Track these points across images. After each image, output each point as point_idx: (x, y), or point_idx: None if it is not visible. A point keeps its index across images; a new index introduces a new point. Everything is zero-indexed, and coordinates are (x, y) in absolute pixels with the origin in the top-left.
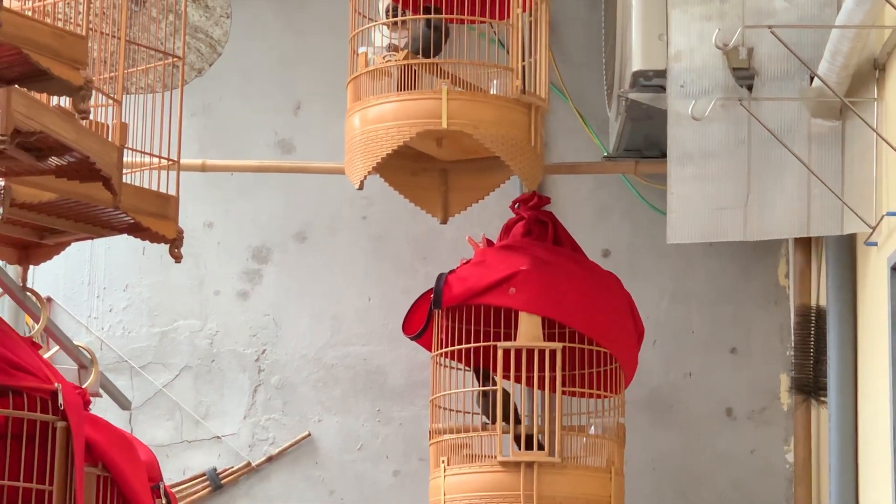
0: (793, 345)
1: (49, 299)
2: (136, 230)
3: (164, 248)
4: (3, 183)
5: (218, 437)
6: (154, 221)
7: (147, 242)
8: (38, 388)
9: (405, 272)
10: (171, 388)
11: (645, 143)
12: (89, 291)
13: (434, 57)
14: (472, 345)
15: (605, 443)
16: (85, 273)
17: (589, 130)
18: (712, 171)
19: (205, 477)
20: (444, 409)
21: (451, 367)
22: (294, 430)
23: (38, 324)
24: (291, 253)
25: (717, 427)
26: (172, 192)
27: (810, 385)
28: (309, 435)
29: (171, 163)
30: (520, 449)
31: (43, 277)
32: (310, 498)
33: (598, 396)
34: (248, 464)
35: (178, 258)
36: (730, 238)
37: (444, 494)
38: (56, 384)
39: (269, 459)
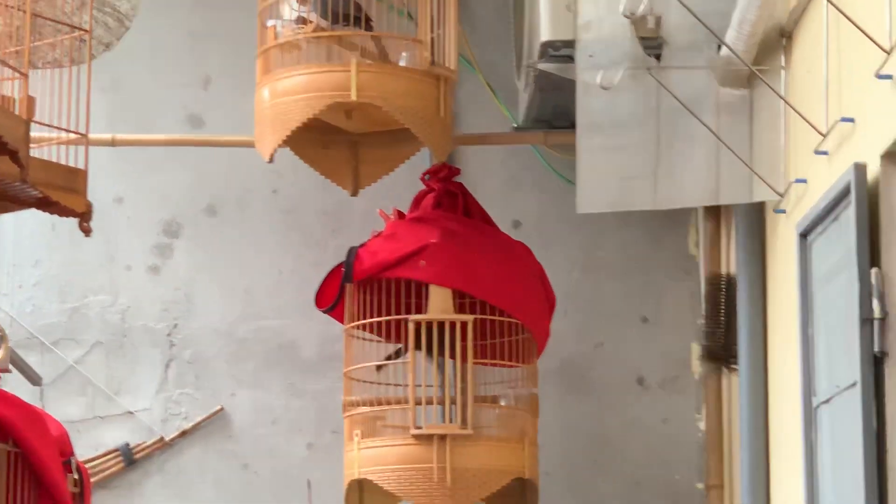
0: (703, 313)
1: None
2: (45, 204)
3: (74, 223)
4: None
5: (130, 413)
6: (63, 195)
7: (56, 217)
8: None
9: (316, 245)
10: (83, 363)
11: (554, 113)
12: None
13: (350, 28)
14: (384, 318)
15: (517, 413)
16: None
17: (498, 102)
18: (622, 141)
19: (118, 452)
20: (358, 380)
21: (364, 339)
22: (207, 404)
23: None
24: (202, 227)
25: (629, 396)
26: (81, 166)
27: (721, 353)
28: (222, 409)
29: (79, 137)
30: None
31: None
32: (224, 472)
33: (511, 366)
34: (161, 439)
35: (87, 232)
36: (639, 207)
37: (359, 468)
38: None
39: (183, 434)
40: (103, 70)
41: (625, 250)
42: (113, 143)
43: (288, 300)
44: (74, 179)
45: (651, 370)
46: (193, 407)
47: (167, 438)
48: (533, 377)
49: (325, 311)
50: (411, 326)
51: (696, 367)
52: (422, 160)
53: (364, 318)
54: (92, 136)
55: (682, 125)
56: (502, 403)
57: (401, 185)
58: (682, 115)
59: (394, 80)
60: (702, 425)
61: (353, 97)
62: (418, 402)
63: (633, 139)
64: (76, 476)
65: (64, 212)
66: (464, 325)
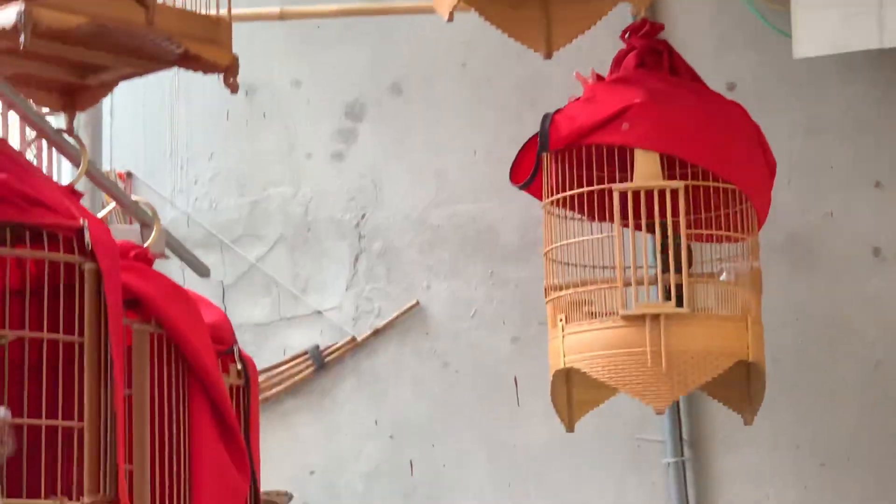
0: None
1: (129, 174)
2: (185, 60)
3: (251, 111)
4: (23, 5)
5: (319, 312)
6: (203, 47)
7: (231, 105)
8: (59, 225)
9: (512, 120)
10: (265, 261)
11: None
12: (172, 163)
13: None
14: (585, 189)
15: (739, 290)
16: (165, 144)
17: None
18: None
19: (307, 355)
20: (560, 262)
21: (565, 218)
22: (401, 299)
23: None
24: (387, 107)
25: (865, 270)
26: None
27: None
28: (417, 304)
29: None
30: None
31: (120, 153)
32: (422, 372)
33: (730, 240)
34: (353, 339)
35: (234, 88)
36: (864, 46)
37: (564, 356)
38: (82, 220)
39: (376, 333)
40: None
41: (852, 109)
42: (281, 17)
43: (484, 182)
44: (216, 29)
45: (889, 240)
46: (386, 302)
47: (359, 338)
48: (755, 250)
49: (521, 187)
50: (616, 197)
51: None
52: (621, 19)
53: (563, 192)
54: (260, 10)
55: None
56: (722, 279)
57: (600, 48)
58: None
59: None
60: None
61: None
62: (627, 282)
63: None
64: (239, 365)
65: (206, 66)
66: (674, 193)
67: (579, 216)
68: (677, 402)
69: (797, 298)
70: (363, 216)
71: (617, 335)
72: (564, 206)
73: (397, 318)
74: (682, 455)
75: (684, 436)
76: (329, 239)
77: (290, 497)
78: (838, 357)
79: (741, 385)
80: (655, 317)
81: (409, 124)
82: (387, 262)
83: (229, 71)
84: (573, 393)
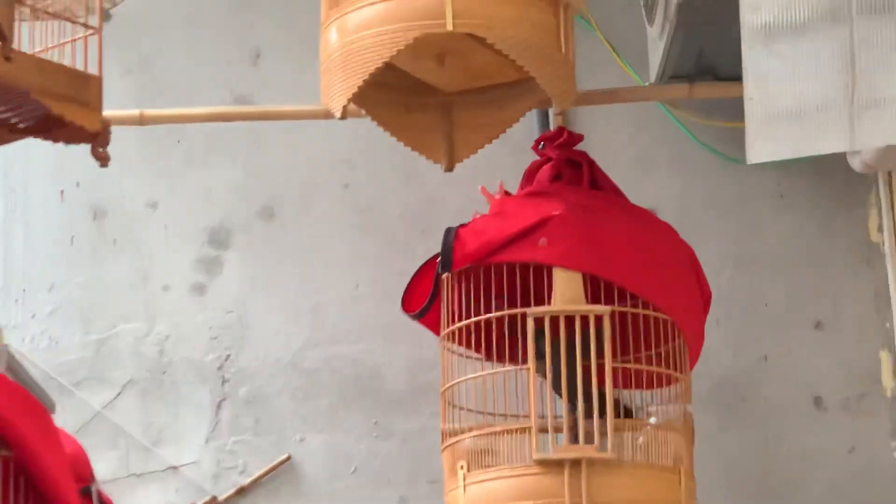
0: (894, 314)
1: None
2: (46, 126)
3: (99, 236)
4: None
5: (174, 468)
6: (70, 109)
7: (76, 229)
8: None
9: (400, 250)
10: (113, 408)
11: (697, 67)
12: (5, 295)
13: None
14: (494, 314)
15: (670, 436)
16: None
17: (621, 61)
18: (804, 55)
19: None
20: (459, 407)
21: (465, 357)
22: (270, 453)
23: None
24: (257, 233)
25: (805, 421)
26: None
27: None
28: (289, 458)
29: (90, 31)
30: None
31: None
32: None
33: (660, 382)
34: (214, 499)
35: (103, 160)
36: (831, 149)
37: None
38: None
39: (241, 492)
40: (130, 49)
41: (789, 241)
42: (141, 122)
43: (367, 319)
44: (85, 87)
45: (830, 388)
46: (253, 457)
47: (221, 498)
48: (687, 392)
49: (414, 317)
50: (530, 324)
51: (889, 381)
52: (526, 134)
53: (467, 319)
54: (118, 113)
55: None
56: (652, 422)
57: (502, 164)
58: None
59: (500, 5)
60: None
61: (449, 26)
62: (543, 428)
63: (820, 52)
64: None
65: (72, 134)
66: (598, 319)
67: (477, 356)
68: None
69: (728, 453)
70: (227, 357)
71: (530, 484)
72: (463, 342)
73: (266, 474)
74: None
75: None
76: (187, 383)
77: None
78: None
79: None
80: (576, 462)
81: (281, 253)
82: (254, 411)
83: (99, 139)
84: None
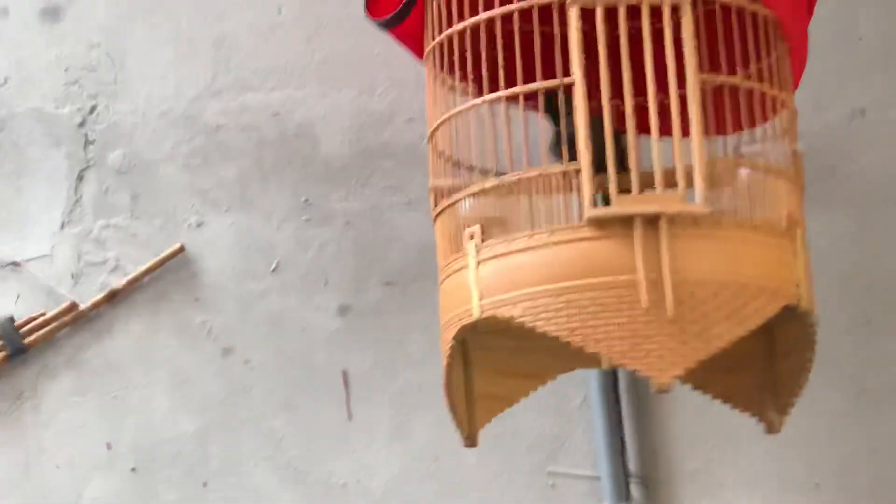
0: None
1: None
2: None
3: None
4: None
5: (15, 264)
6: None
7: None
8: None
9: None
10: None
11: None
12: None
13: None
14: (514, 6)
15: (779, 185)
16: None
17: None
18: None
19: None
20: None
21: (454, 89)
22: (155, 243)
23: None
24: None
25: None
26: None
27: None
28: (182, 250)
29: None
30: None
31: None
32: (188, 363)
33: (763, 113)
34: (74, 306)
35: None
36: None
37: (480, 299)
38: None
39: (112, 297)
40: None
41: None
42: None
43: (293, 56)
44: None
45: None
46: (131, 248)
47: (84, 306)
48: (793, 126)
49: (383, 26)
50: (573, 16)
51: None
52: None
53: (467, 20)
54: None
55: None
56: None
57: None
58: None
59: None
60: None
61: None
62: (599, 168)
63: None
64: None
65: None
66: (675, 7)
67: (475, 87)
68: (618, 411)
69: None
70: (92, 109)
71: (580, 254)
72: (451, 66)
73: (148, 272)
74: (628, 499)
75: (632, 468)
76: (35, 145)
77: None
78: None
79: (763, 361)
80: (652, 220)
81: None
82: (131, 185)
83: None
84: (476, 378)
